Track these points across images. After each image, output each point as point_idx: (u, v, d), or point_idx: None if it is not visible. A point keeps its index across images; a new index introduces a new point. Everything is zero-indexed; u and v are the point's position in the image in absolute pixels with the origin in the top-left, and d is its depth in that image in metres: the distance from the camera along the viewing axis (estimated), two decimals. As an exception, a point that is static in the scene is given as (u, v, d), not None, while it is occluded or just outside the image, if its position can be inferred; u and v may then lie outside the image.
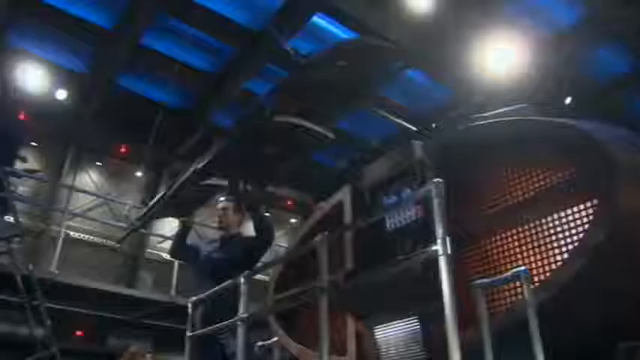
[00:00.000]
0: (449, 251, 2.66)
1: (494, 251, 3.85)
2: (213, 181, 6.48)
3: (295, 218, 12.98)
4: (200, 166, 6.17)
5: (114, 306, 8.91)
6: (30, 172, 7.94)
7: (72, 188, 10.58)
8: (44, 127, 11.62)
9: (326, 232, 3.75)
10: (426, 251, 2.86)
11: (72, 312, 8.26)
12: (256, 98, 8.10)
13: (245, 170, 6.32)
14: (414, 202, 4.35)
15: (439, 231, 2.70)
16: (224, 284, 4.74)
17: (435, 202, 2.77)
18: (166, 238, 10.35)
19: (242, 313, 4.25)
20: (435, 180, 2.84)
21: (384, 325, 4.79)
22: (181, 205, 6.58)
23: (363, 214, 5.00)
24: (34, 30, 10.23)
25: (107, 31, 10.27)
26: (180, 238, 5.80)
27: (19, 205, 7.46)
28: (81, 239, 9.77)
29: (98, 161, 11.93)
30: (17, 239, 7.18)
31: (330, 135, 5.71)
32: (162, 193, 6.95)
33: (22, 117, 8.69)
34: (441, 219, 2.72)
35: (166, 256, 10.45)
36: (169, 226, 10.51)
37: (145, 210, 7.15)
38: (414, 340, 4.51)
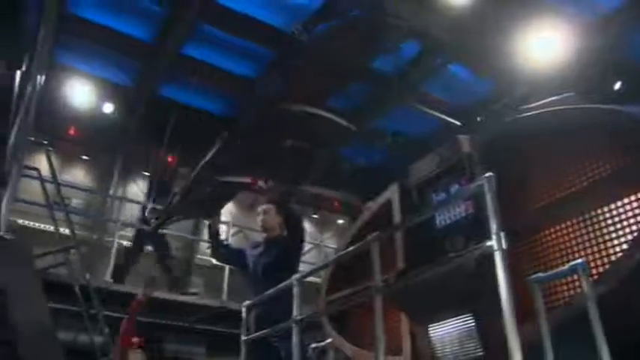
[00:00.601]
0: (504, 246, 2.62)
1: (549, 245, 3.78)
2: (232, 178, 6.53)
3: (342, 219, 12.99)
4: (207, 157, 6.21)
5: (167, 312, 9.08)
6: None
7: (122, 199, 10.87)
8: (93, 140, 11.97)
9: (376, 232, 3.75)
10: (479, 247, 2.82)
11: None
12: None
13: (263, 165, 6.35)
14: (465, 198, 4.30)
15: (493, 226, 2.66)
16: (275, 287, 4.79)
17: (488, 197, 2.74)
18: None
19: (295, 315, 4.29)
20: (487, 175, 2.80)
21: (439, 323, 4.75)
22: (205, 205, 6.64)
23: (412, 213, 4.98)
24: (79, 47, 10.53)
25: (149, 44, 10.49)
26: (213, 239, 5.88)
27: (73, 217, 7.68)
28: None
29: (145, 171, 12.19)
30: (73, 250, 7.40)
31: (352, 126, 5.69)
32: (176, 190, 7.01)
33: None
34: (495, 214, 2.69)
35: (215, 261, 10.60)
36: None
37: (162, 209, 7.19)
38: (469, 338, 4.46)
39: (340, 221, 12.99)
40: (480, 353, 4.37)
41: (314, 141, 6.23)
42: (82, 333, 7.34)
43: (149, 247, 9.21)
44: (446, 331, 4.68)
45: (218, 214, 6.20)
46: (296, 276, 4.49)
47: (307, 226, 12.49)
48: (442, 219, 4.85)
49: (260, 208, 5.73)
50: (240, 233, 10.62)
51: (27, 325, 6.09)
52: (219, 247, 5.92)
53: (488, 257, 2.99)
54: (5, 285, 6.39)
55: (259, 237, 11.00)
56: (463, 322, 4.46)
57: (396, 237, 5.07)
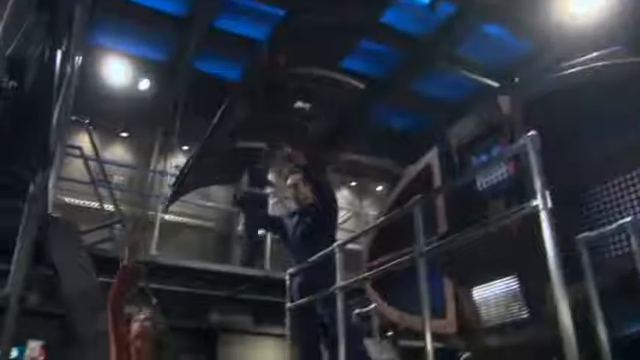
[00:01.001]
0: (549, 205, 2.57)
1: (597, 204, 3.70)
2: (248, 144, 6.52)
3: (381, 186, 12.95)
4: (214, 121, 6.19)
5: (212, 283, 9.25)
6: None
7: (163, 173, 11.02)
8: (131, 117, 12.14)
9: (417, 196, 3.73)
10: (524, 207, 2.78)
11: (172, 291, 8.62)
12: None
13: (274, 129, 6.30)
14: (509, 159, 4.23)
15: (538, 185, 2.62)
16: (317, 255, 4.83)
17: (532, 156, 2.69)
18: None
19: (339, 281, 4.32)
20: (530, 134, 2.75)
21: (483, 285, 4.74)
22: (225, 173, 6.67)
23: (453, 176, 4.94)
24: (113, 25, 10.62)
25: (181, 18, 10.51)
26: (243, 209, 5.91)
27: (116, 194, 7.84)
28: (176, 222, 10.18)
29: (184, 145, 12.33)
30: (118, 225, 7.58)
31: (360, 85, 5.58)
32: (189, 158, 7.02)
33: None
34: (539, 173, 2.64)
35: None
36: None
37: (176, 177, 7.23)
38: (514, 299, 4.44)
39: (379, 188, 12.94)
40: (525, 315, 4.36)
41: (323, 103, 6.16)
42: (129, 305, 7.53)
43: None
44: (490, 294, 4.66)
45: (239, 184, 6.23)
46: (338, 243, 4.51)
47: (346, 193, 12.51)
48: (483, 182, 4.79)
49: (289, 181, 5.74)
50: (281, 203, 10.71)
51: (78, 298, 6.30)
52: (253, 213, 5.96)
53: (533, 218, 2.96)
54: (56, 261, 6.62)
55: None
56: (508, 284, 4.44)
57: (437, 201, 5.03)
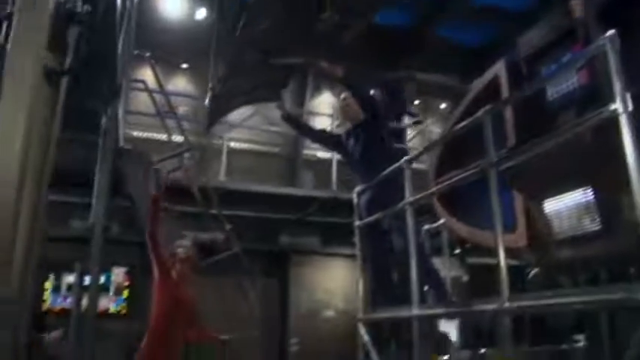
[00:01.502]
0: (630, 108, 2.45)
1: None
2: (283, 60, 6.41)
3: (445, 104, 12.66)
4: (237, 33, 6.09)
5: (281, 206, 9.45)
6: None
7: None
8: (191, 48, 12.18)
9: (486, 108, 3.63)
10: (602, 111, 2.67)
11: (243, 216, 8.86)
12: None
13: (305, 43, 6.12)
14: (582, 64, 4.03)
15: (617, 87, 2.49)
16: (385, 172, 4.83)
17: (611, 57, 2.54)
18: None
19: (408, 197, 4.32)
20: (609, 33, 2.59)
21: (554, 198, 4.65)
22: (265, 90, 6.63)
23: (522, 87, 4.76)
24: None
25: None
26: (291, 122, 5.89)
27: (183, 124, 8.01)
28: (242, 149, 10.35)
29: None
30: (187, 155, 7.78)
31: None
32: (218, 78, 6.97)
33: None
34: (618, 74, 2.50)
35: (322, 154, 10.79)
36: (322, 124, 10.79)
37: (209, 100, 7.20)
38: (587, 211, 4.35)
39: (443, 106, 12.64)
40: (599, 227, 4.27)
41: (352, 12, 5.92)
42: (202, 232, 7.78)
43: None
44: (562, 206, 4.58)
45: (281, 99, 6.20)
46: (405, 159, 4.49)
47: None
48: (554, 91, 4.61)
49: (338, 103, 5.66)
50: (342, 125, 10.70)
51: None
52: (304, 134, 5.97)
53: (609, 123, 2.84)
54: (132, 191, 6.90)
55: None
56: (581, 195, 4.34)
57: (505, 113, 4.89)
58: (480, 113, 3.50)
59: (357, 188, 5.29)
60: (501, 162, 3.39)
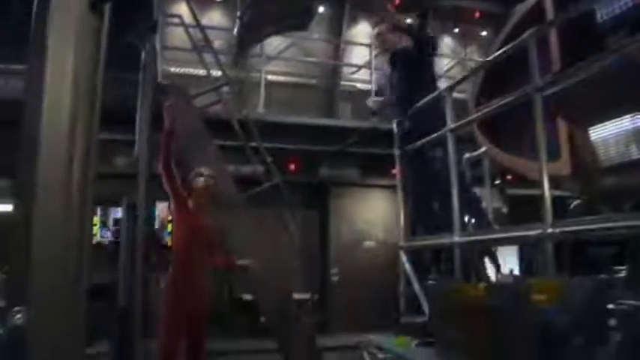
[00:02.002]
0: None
1: None
2: None
3: (486, 31, 12.24)
4: None
5: (320, 138, 9.44)
6: None
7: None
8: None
9: (532, 28, 3.50)
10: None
11: (283, 148, 8.88)
12: None
13: None
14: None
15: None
16: (425, 99, 4.76)
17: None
18: (359, 66, 10.50)
19: (450, 124, 4.26)
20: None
21: (601, 124, 4.54)
22: (293, 18, 6.52)
23: (568, 8, 4.57)
24: None
25: None
26: None
27: (221, 58, 7.96)
28: (279, 81, 10.27)
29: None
30: (226, 89, 7.77)
31: None
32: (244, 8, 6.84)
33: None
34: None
35: (361, 85, 10.66)
36: (360, 56, 10.62)
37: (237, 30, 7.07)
38: (636, 137, 4.24)
39: (484, 33, 12.20)
40: (648, 153, 4.17)
41: None
42: (241, 165, 7.84)
43: None
44: (610, 133, 4.47)
45: (307, 27, 6.13)
46: (445, 86, 4.41)
47: (448, 41, 11.92)
48: (604, 12, 4.42)
49: (373, 32, 5.57)
50: (380, 55, 10.50)
51: (197, 161, 6.68)
52: None
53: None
54: (174, 124, 6.98)
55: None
56: (631, 121, 4.22)
57: (550, 38, 4.72)
58: (524, 36, 3.37)
59: (398, 118, 5.24)
60: (547, 87, 3.29)
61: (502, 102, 3.73)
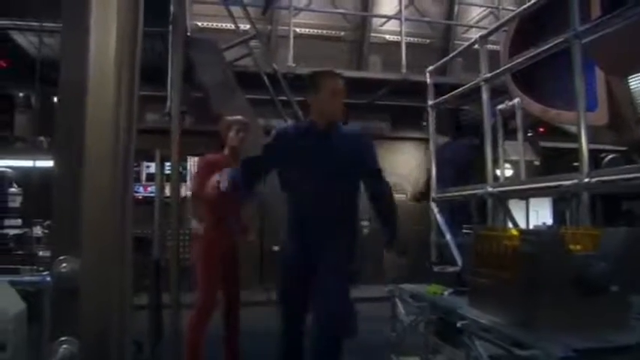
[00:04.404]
0: None
1: None
2: None
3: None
4: None
5: (349, 91, 9.37)
6: None
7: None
8: None
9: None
10: None
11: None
12: None
13: None
14: None
15: None
16: (459, 49, 4.69)
17: None
18: (389, 17, 10.30)
19: (483, 73, 4.20)
20: None
21: (640, 73, 4.42)
22: None
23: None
24: None
25: None
26: None
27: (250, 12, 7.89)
28: (308, 34, 10.14)
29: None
30: (254, 41, 7.74)
31: None
32: None
33: None
34: None
35: (390, 37, 10.47)
36: (389, 6, 10.40)
37: None
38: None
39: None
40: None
41: None
42: (271, 119, 7.83)
43: None
44: (649, 81, 4.36)
45: None
46: (479, 34, 4.33)
47: None
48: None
49: None
50: (411, 6, 10.28)
51: (231, 115, 6.71)
52: None
53: None
54: (204, 80, 7.00)
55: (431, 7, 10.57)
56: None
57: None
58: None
59: (430, 68, 5.17)
60: (586, 34, 3.20)
61: (539, 50, 3.65)
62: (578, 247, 2.54)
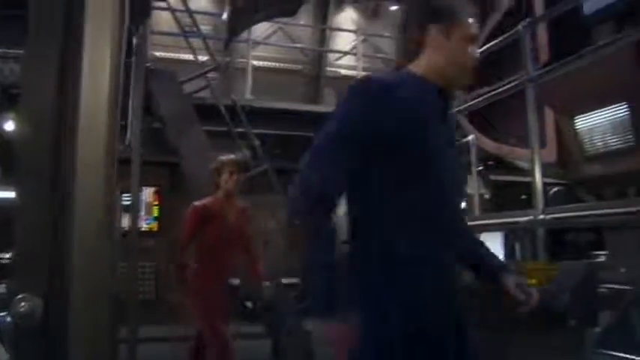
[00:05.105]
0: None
1: None
2: None
3: (396, 6, 12.04)
4: None
5: (306, 124, 9.45)
6: None
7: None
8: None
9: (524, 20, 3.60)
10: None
11: (269, 134, 8.87)
12: None
13: None
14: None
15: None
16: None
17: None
18: (342, 53, 10.51)
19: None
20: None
21: (587, 114, 4.68)
22: (282, 4, 6.59)
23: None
24: None
25: None
26: None
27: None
28: (265, 67, 10.24)
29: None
30: (213, 74, 7.77)
31: None
32: None
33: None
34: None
35: (345, 71, 10.68)
36: (344, 41, 10.63)
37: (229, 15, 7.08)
38: (622, 127, 4.39)
39: (393, 8, 11.67)
40: (633, 143, 4.32)
41: None
42: (226, 150, 7.80)
43: None
44: (595, 122, 4.62)
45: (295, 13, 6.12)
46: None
47: (352, 14, 11.48)
48: (590, 5, 4.55)
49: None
50: (366, 42, 10.51)
51: (187, 147, 6.67)
52: None
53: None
54: (163, 112, 6.97)
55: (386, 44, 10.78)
56: (616, 111, 4.36)
57: (537, 29, 4.84)
58: (519, 27, 3.47)
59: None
60: (539, 78, 3.40)
61: (495, 91, 3.83)
62: (534, 281, 2.66)
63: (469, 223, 4.46)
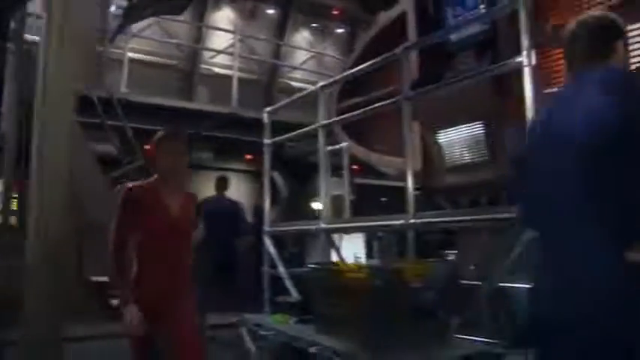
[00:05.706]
0: (533, 62, 2.84)
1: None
2: None
3: (341, 29, 12.84)
4: None
5: (177, 120, 9.35)
6: None
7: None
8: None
9: (401, 43, 3.95)
10: (508, 63, 3.07)
11: (141, 128, 8.65)
12: None
13: None
14: (493, 17, 4.45)
15: (525, 42, 2.83)
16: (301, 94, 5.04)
17: (522, 13, 2.87)
18: (218, 52, 10.56)
19: (321, 120, 4.61)
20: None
21: (448, 129, 5.20)
22: (169, 3, 6.74)
23: (428, 26, 5.15)
24: None
25: None
26: None
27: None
28: (139, 59, 9.99)
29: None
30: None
31: None
32: None
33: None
34: (528, 30, 2.85)
35: (219, 70, 10.74)
36: (220, 40, 10.69)
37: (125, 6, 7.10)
38: (478, 143, 4.94)
39: (339, 30, 12.74)
40: (486, 158, 4.88)
41: None
42: (100, 143, 7.55)
43: None
44: (455, 137, 5.15)
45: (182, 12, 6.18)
46: (320, 84, 4.75)
47: (306, 34, 12.32)
48: (457, 34, 5.05)
49: None
50: (242, 42, 10.65)
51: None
52: None
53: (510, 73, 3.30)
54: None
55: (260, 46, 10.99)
56: (473, 128, 4.91)
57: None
58: (398, 51, 3.82)
59: (268, 109, 5.47)
60: (414, 97, 3.78)
61: (374, 106, 4.16)
62: (413, 278, 3.01)
63: (350, 225, 4.83)
